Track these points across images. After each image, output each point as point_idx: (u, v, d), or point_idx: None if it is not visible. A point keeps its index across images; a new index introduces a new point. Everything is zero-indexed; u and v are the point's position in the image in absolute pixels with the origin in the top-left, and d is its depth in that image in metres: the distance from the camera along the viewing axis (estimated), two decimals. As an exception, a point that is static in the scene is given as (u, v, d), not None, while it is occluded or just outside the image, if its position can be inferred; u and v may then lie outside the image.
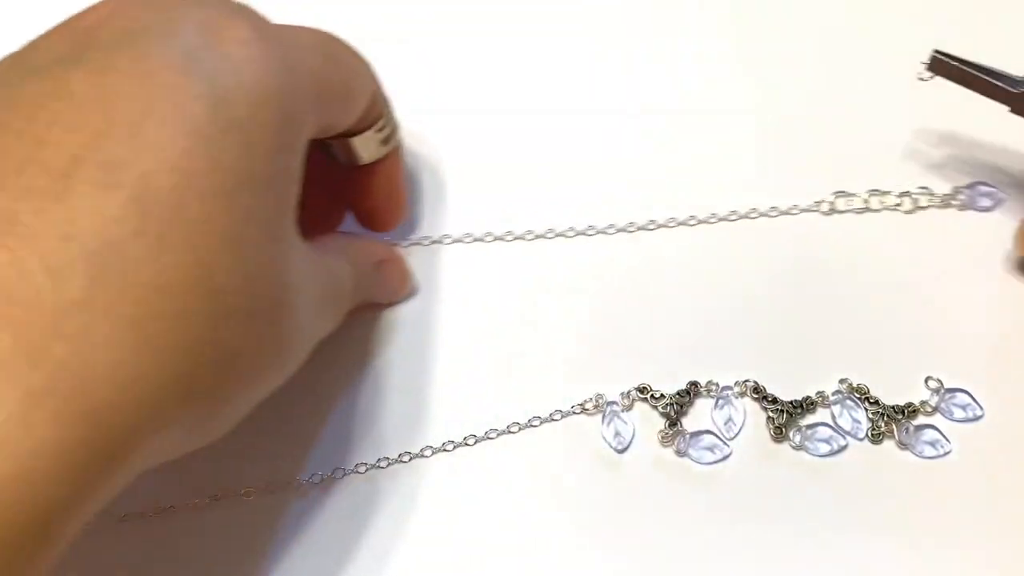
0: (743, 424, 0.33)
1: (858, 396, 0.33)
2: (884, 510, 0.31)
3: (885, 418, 0.33)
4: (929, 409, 0.33)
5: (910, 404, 0.33)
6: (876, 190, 0.37)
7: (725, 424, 0.33)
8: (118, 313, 0.20)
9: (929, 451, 0.32)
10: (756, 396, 0.33)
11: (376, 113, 0.31)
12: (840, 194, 0.37)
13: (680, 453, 0.32)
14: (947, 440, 0.32)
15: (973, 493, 0.31)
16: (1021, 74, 0.33)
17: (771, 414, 0.33)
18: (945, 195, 0.37)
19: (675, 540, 0.31)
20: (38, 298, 0.20)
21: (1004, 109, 0.33)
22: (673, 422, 0.33)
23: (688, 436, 0.33)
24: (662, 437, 0.33)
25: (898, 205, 0.37)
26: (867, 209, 0.37)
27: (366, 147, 0.32)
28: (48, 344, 0.20)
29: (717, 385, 0.34)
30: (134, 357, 0.21)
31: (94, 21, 0.24)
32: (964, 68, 0.33)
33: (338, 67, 0.28)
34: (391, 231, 0.35)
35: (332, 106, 0.28)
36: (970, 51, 0.34)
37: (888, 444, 0.33)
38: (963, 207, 0.37)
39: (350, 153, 0.32)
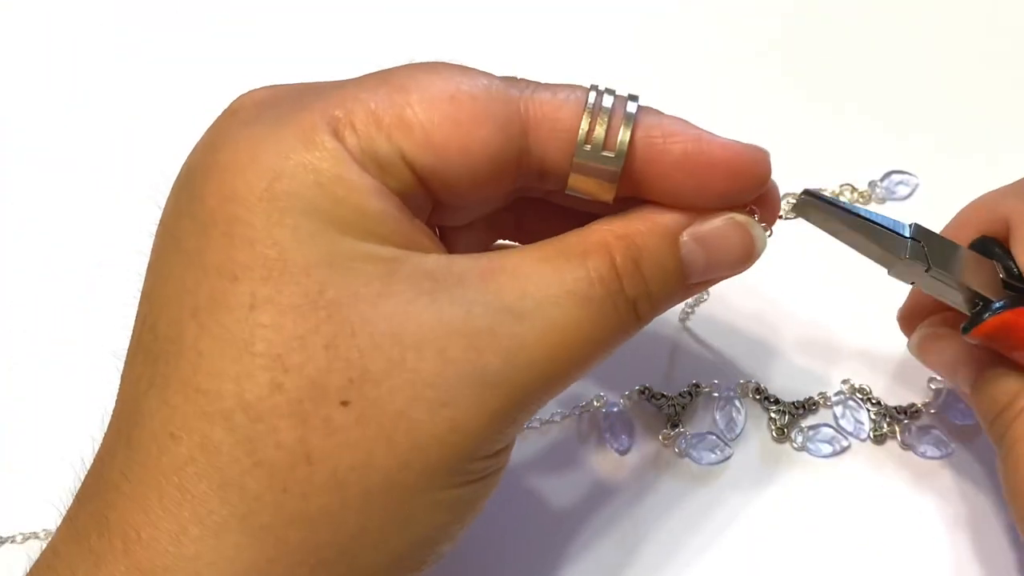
0: (745, 425, 0.33)
1: (860, 397, 0.33)
2: (886, 511, 0.31)
3: (888, 419, 0.33)
4: (932, 410, 0.33)
5: (912, 405, 0.33)
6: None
7: (727, 425, 0.33)
8: None
9: (932, 452, 0.32)
10: (758, 397, 0.33)
11: (554, 150, 0.24)
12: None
13: (682, 454, 0.32)
14: (949, 441, 0.32)
15: (975, 494, 0.31)
16: (905, 229, 0.26)
17: (773, 415, 0.33)
18: (863, 191, 0.37)
19: (677, 540, 0.31)
20: None
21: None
22: (675, 423, 0.33)
23: (690, 437, 0.33)
24: (664, 438, 0.33)
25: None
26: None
27: (587, 187, 0.24)
28: None
29: (719, 386, 0.34)
30: None
31: None
32: (838, 213, 0.26)
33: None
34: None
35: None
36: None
37: (891, 445, 0.32)
38: (882, 199, 0.37)
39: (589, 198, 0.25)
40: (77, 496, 0.23)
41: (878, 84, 0.40)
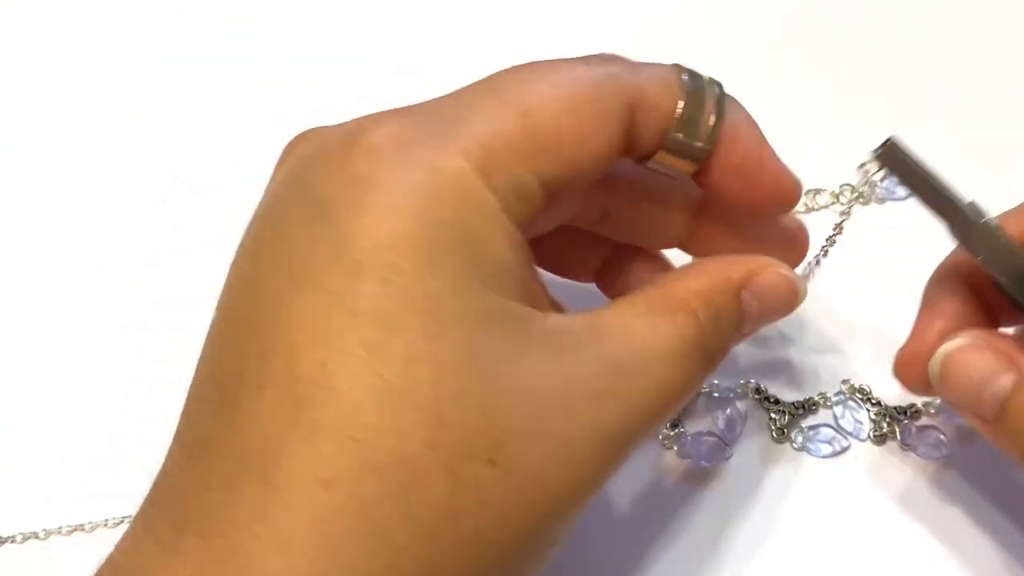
0: (745, 425, 0.33)
1: (860, 397, 0.33)
2: (886, 511, 0.31)
3: (888, 419, 0.33)
4: (932, 411, 0.33)
5: (912, 405, 0.33)
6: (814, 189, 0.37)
7: (727, 425, 0.33)
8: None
9: (932, 452, 0.32)
10: (758, 397, 0.33)
11: (655, 119, 0.25)
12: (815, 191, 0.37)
13: (682, 455, 0.32)
14: (949, 442, 0.32)
15: (975, 494, 0.31)
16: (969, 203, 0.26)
17: (773, 415, 0.33)
18: (864, 190, 0.37)
19: (676, 542, 0.31)
20: None
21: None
22: (675, 423, 0.33)
23: (690, 438, 0.33)
24: (664, 438, 0.33)
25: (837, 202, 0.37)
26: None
27: (672, 163, 0.26)
28: None
29: (719, 386, 0.33)
30: None
31: None
32: (918, 174, 0.26)
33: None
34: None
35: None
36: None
37: (891, 445, 0.32)
38: (883, 199, 0.37)
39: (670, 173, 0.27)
40: (178, 528, 0.21)
41: (879, 84, 0.40)
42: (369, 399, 0.20)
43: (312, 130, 0.25)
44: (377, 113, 0.24)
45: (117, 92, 0.42)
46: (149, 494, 0.23)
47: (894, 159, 0.26)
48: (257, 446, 0.21)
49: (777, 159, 0.27)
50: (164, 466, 0.23)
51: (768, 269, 0.27)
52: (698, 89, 0.25)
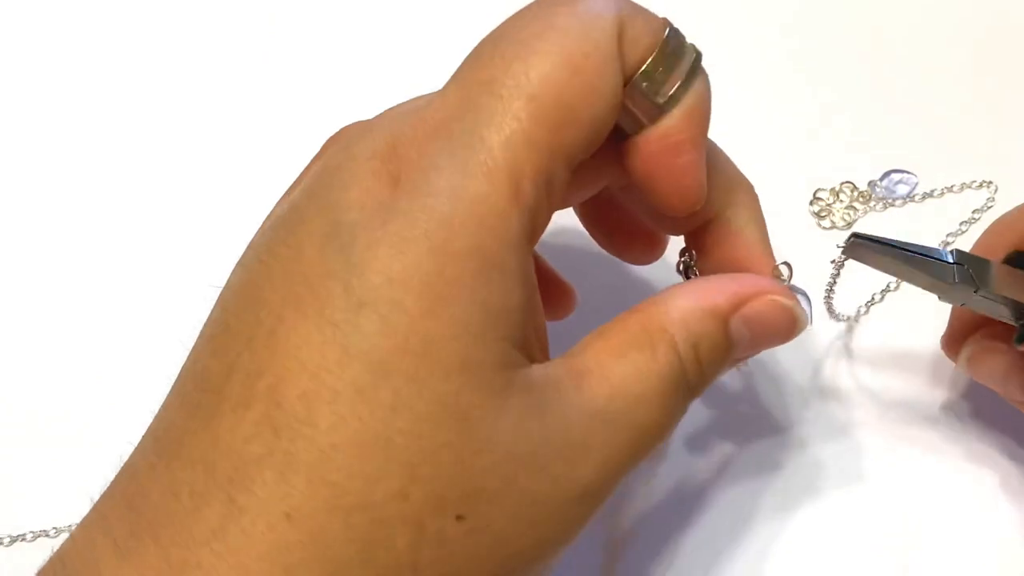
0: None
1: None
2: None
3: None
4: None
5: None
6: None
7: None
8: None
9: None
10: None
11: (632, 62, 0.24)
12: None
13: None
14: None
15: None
16: (947, 255, 0.27)
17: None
18: (863, 190, 0.37)
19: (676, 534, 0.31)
20: None
21: None
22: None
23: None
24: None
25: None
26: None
27: (628, 120, 0.24)
28: None
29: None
30: None
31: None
32: (887, 250, 0.27)
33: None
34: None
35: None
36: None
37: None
38: (882, 198, 0.37)
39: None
40: (135, 530, 0.21)
41: (879, 83, 0.40)
42: (346, 442, 0.20)
43: (349, 132, 0.24)
44: (398, 116, 0.23)
45: (117, 92, 0.42)
46: (113, 483, 0.22)
47: (860, 252, 0.27)
48: (230, 464, 0.21)
49: (695, 153, 0.25)
50: (133, 457, 0.23)
51: (762, 296, 0.25)
52: (676, 48, 0.24)
